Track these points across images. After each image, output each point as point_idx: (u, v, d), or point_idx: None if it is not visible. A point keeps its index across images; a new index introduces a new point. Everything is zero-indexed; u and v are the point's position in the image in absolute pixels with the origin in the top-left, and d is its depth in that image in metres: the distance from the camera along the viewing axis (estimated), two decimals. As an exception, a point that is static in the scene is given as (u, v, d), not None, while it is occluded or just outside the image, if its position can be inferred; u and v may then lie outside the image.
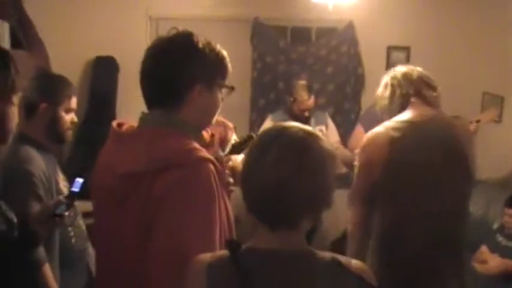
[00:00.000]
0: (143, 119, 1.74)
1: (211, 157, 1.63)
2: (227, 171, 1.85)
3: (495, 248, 3.99)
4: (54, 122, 2.38)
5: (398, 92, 2.60)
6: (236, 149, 2.31)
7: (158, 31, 5.10)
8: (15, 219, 1.80)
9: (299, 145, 1.37)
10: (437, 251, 2.54)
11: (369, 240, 2.65)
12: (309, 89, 4.60)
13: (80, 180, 2.11)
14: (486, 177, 4.88)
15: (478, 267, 3.87)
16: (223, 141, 2.24)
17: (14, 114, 1.74)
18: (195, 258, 1.44)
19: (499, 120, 4.95)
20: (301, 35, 5.62)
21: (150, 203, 1.54)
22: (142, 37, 5.06)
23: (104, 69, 4.90)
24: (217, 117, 1.86)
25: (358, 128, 4.75)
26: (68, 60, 4.38)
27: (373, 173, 2.53)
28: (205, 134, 1.79)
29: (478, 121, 4.10)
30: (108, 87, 4.84)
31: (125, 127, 1.78)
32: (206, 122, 1.79)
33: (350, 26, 5.40)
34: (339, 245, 1.45)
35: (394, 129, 2.53)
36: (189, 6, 5.06)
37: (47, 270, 2.12)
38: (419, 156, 2.48)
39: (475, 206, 3.42)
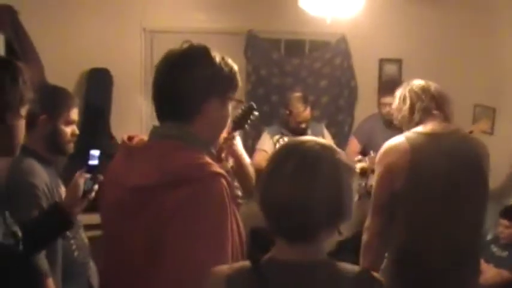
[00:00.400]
0: (154, 132, 1.73)
1: (223, 171, 1.63)
2: (236, 184, 1.86)
3: (490, 259, 4.03)
4: (54, 134, 2.37)
5: (418, 104, 2.64)
6: (239, 124, 2.31)
7: (152, 44, 5.11)
8: (19, 233, 1.79)
9: (314, 159, 1.39)
10: (457, 261, 2.57)
11: (384, 251, 2.66)
12: (305, 100, 4.59)
13: (95, 152, 2.14)
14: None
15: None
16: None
17: (22, 127, 1.74)
18: (212, 271, 1.44)
19: (491, 132, 4.99)
20: (294, 48, 5.66)
21: (161, 217, 1.54)
22: (137, 50, 5.07)
23: (98, 82, 4.87)
24: None
25: (352, 140, 4.78)
26: (63, 72, 4.36)
27: (394, 182, 2.55)
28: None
29: (470, 132, 4.15)
30: (102, 100, 4.81)
31: (135, 140, 1.78)
32: (217, 136, 1.80)
33: (343, 40, 5.46)
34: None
35: (416, 139, 2.56)
36: (183, 19, 5.07)
37: (51, 283, 2.11)
38: (441, 167, 2.51)
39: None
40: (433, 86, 2.70)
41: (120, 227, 1.67)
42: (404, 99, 2.70)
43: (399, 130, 2.76)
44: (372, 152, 4.06)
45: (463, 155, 2.58)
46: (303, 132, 4.47)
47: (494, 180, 4.81)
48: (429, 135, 2.57)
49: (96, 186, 2.10)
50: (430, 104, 2.63)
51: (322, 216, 1.37)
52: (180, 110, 1.67)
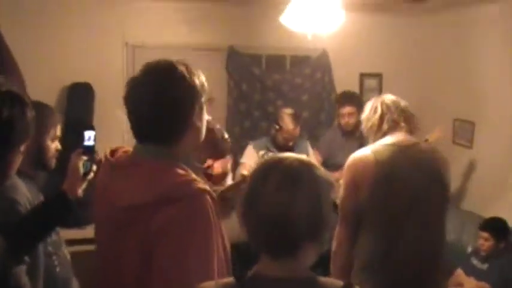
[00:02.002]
0: (139, 150, 1.73)
1: (208, 188, 1.64)
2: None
3: (470, 271, 4.07)
4: (41, 151, 2.36)
5: (388, 116, 2.76)
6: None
7: (134, 58, 5.11)
8: None
9: (295, 175, 1.41)
10: (422, 267, 2.66)
11: (352, 258, 2.73)
12: (296, 118, 4.60)
13: (89, 133, 2.18)
14: (458, 202, 4.99)
15: (454, 290, 3.94)
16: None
17: (18, 162, 1.74)
18: (199, 287, 1.45)
19: (470, 145, 5.06)
20: (275, 63, 5.70)
21: (149, 235, 1.54)
22: (119, 64, 5.07)
23: (80, 96, 4.87)
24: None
25: (315, 153, 4.85)
26: (44, 86, 4.34)
27: (359, 193, 2.64)
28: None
29: (426, 140, 4.27)
30: (84, 114, 4.81)
31: (118, 154, 1.79)
32: (197, 142, 1.79)
33: (324, 54, 5.51)
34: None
35: (381, 152, 2.67)
36: (165, 35, 5.10)
37: (32, 300, 2.09)
38: (405, 176, 2.62)
39: (449, 231, 3.49)
40: (402, 101, 2.84)
41: (112, 241, 1.68)
42: (375, 109, 2.82)
43: (357, 141, 2.89)
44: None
45: (426, 165, 2.69)
46: (290, 149, 4.43)
47: (473, 193, 4.89)
48: (394, 147, 2.68)
49: (94, 167, 2.12)
50: (398, 117, 2.76)
51: (304, 230, 1.39)
52: (166, 132, 1.67)
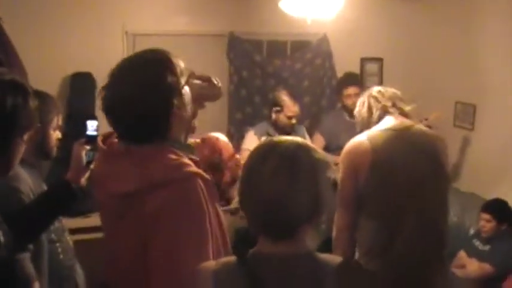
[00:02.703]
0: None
1: (199, 170, 1.65)
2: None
3: (473, 253, 4.10)
4: (44, 140, 2.39)
5: (375, 105, 2.82)
6: None
7: (135, 47, 5.10)
8: (2, 238, 1.80)
9: (292, 159, 1.43)
10: (425, 249, 2.66)
11: (353, 243, 2.74)
12: (293, 97, 4.63)
13: (92, 122, 2.22)
14: (459, 185, 5.00)
15: (457, 271, 3.97)
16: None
17: (21, 152, 1.76)
18: (199, 267, 1.48)
19: (471, 128, 5.07)
20: (276, 48, 5.68)
21: (144, 220, 1.57)
22: (119, 53, 5.05)
23: (81, 86, 4.87)
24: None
25: (317, 136, 4.85)
26: (46, 76, 4.35)
27: (358, 178, 2.67)
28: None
29: (426, 119, 4.29)
30: (85, 104, 4.81)
31: (110, 141, 1.79)
32: (187, 124, 1.78)
33: (324, 39, 5.50)
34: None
35: (377, 137, 2.69)
36: (165, 22, 5.08)
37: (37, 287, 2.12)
38: (401, 160, 2.64)
39: (451, 213, 3.52)
40: (390, 89, 2.90)
41: (111, 232, 1.72)
42: (363, 103, 2.90)
43: None
44: None
45: (422, 147, 2.70)
46: (291, 130, 4.50)
47: (475, 175, 4.91)
48: (389, 131, 2.70)
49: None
50: (386, 102, 2.81)
51: (303, 212, 1.42)
52: (152, 133, 1.65)
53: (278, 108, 4.56)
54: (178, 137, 1.73)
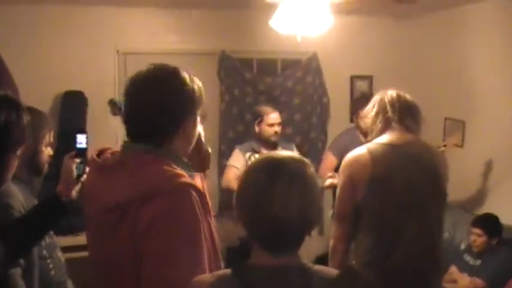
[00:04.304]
0: (126, 147, 1.76)
1: (193, 182, 1.66)
2: None
3: (464, 268, 4.11)
4: (35, 157, 2.39)
5: (381, 116, 2.76)
6: None
7: (126, 65, 5.15)
8: None
9: (300, 176, 1.46)
10: (421, 263, 2.65)
11: (349, 255, 2.75)
12: (274, 107, 4.67)
13: (82, 136, 2.24)
14: (450, 200, 5.02)
15: (448, 286, 3.97)
16: None
17: (14, 166, 1.77)
18: (195, 280, 1.48)
19: (460, 144, 5.10)
20: (267, 66, 5.74)
21: (137, 231, 1.56)
22: (111, 71, 5.10)
23: (72, 104, 4.90)
24: None
25: (328, 155, 4.79)
26: (37, 94, 4.34)
27: (356, 192, 2.65)
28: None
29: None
30: (77, 122, 4.83)
31: (105, 156, 1.81)
32: (188, 150, 1.83)
33: (314, 57, 5.55)
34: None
35: (376, 150, 2.66)
36: (156, 41, 5.13)
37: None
38: (401, 175, 2.62)
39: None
40: (403, 98, 2.80)
41: (101, 246, 1.70)
42: (373, 106, 2.83)
43: None
44: None
45: (422, 164, 2.68)
46: (276, 140, 4.55)
47: (465, 191, 4.93)
48: (389, 146, 2.67)
49: (87, 169, 2.16)
50: (392, 116, 2.73)
51: (308, 226, 1.47)
52: (157, 132, 1.70)
53: (259, 119, 4.60)
54: (178, 152, 1.75)
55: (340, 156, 4.65)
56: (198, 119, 1.80)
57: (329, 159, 4.73)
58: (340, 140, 4.85)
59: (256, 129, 4.65)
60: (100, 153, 1.84)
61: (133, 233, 1.57)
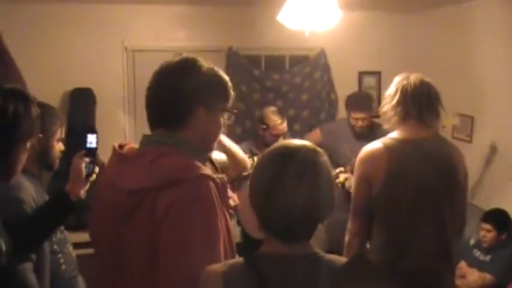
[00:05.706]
0: (145, 139, 1.78)
1: (212, 174, 1.67)
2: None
3: (473, 263, 4.10)
4: (47, 151, 2.40)
5: (401, 107, 2.65)
6: None
7: (134, 62, 5.16)
8: (3, 247, 1.81)
9: (313, 165, 1.47)
10: (437, 261, 2.64)
11: (365, 250, 2.74)
12: (281, 113, 4.49)
13: (92, 136, 2.27)
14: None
15: (458, 282, 3.96)
16: None
17: (24, 159, 1.78)
18: (208, 269, 1.48)
19: (469, 140, 5.08)
20: (274, 63, 5.73)
21: (154, 219, 1.57)
22: (119, 68, 5.12)
23: (81, 101, 4.92)
24: None
25: (316, 131, 4.78)
26: (46, 92, 4.32)
27: (372, 187, 2.63)
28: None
29: (443, 127, 4.17)
30: (85, 119, 4.85)
31: (126, 148, 1.82)
32: (208, 145, 1.83)
33: (322, 53, 5.55)
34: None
35: (392, 146, 2.62)
36: (164, 38, 5.14)
37: (39, 299, 2.13)
38: (417, 172, 2.58)
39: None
40: (426, 89, 2.73)
41: (115, 230, 1.69)
42: (396, 93, 2.70)
43: (368, 141, 2.81)
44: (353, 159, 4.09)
45: (439, 159, 2.63)
46: None
47: (475, 186, 4.91)
48: (406, 142, 2.63)
49: (97, 169, 2.17)
50: (412, 109, 2.64)
51: (322, 214, 1.48)
52: (169, 118, 1.72)
53: (264, 127, 4.44)
54: (197, 143, 1.75)
55: (325, 139, 4.63)
56: (220, 116, 1.79)
57: (314, 134, 4.73)
58: (332, 123, 4.99)
59: (260, 131, 4.51)
60: (121, 146, 1.85)
61: (151, 219, 1.58)
